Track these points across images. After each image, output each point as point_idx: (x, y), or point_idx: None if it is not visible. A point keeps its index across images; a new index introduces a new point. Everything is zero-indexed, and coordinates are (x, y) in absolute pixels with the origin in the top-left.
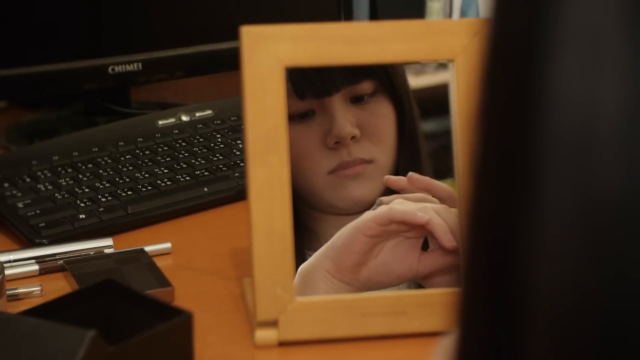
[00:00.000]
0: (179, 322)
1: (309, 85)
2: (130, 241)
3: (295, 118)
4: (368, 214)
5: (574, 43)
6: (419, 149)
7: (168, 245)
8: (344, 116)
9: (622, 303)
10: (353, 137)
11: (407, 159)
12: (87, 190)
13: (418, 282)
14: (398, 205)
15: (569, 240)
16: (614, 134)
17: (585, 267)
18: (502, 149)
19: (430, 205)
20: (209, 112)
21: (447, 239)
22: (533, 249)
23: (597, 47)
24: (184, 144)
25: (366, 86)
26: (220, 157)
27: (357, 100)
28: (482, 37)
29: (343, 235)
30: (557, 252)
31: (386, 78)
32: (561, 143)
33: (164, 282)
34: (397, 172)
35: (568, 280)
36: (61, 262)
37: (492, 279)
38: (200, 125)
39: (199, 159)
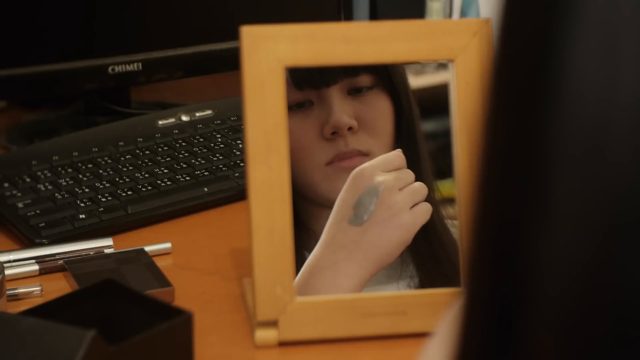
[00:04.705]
0: (179, 322)
1: (307, 77)
2: (130, 241)
3: (292, 108)
4: (407, 226)
5: (592, 36)
6: (419, 149)
7: (168, 245)
8: (341, 107)
9: (633, 297)
10: (350, 128)
11: (406, 157)
12: (87, 190)
13: (418, 282)
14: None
15: (580, 236)
16: (630, 127)
17: (596, 262)
18: (515, 141)
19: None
20: (209, 112)
21: None
22: (542, 245)
23: (614, 40)
24: (184, 144)
25: (365, 79)
26: (220, 157)
27: (355, 92)
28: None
29: (386, 252)
30: (567, 249)
31: (385, 74)
32: (576, 136)
33: (164, 282)
34: None
35: (577, 275)
36: (61, 262)
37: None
38: (200, 125)
39: (199, 159)
